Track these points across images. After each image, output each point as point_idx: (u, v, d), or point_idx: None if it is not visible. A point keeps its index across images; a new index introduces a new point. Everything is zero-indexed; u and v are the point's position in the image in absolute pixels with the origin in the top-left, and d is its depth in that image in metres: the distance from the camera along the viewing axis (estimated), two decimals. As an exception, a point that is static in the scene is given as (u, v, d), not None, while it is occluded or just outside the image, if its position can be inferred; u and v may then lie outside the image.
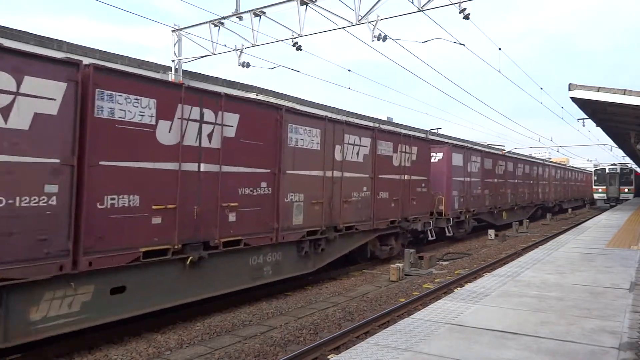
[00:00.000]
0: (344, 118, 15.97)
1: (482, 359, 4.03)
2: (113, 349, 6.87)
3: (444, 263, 14.62)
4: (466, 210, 19.55)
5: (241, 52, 15.85)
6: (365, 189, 12.43)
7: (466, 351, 4.20)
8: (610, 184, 41.31)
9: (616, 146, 34.15)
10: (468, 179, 19.87)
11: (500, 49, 17.67)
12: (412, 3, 12.41)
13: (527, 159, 33.45)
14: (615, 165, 42.45)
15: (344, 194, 11.57)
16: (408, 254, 13.18)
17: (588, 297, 6.23)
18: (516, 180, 26.46)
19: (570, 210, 39.76)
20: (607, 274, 7.82)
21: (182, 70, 16.92)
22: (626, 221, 18.86)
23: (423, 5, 12.31)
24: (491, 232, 20.94)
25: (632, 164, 45.62)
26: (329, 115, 11.41)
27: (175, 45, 16.81)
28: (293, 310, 9.11)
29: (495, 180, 23.27)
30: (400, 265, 12.30)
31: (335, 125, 11.43)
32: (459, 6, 12.17)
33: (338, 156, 11.41)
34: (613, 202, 40.67)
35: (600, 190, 41.84)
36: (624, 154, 40.97)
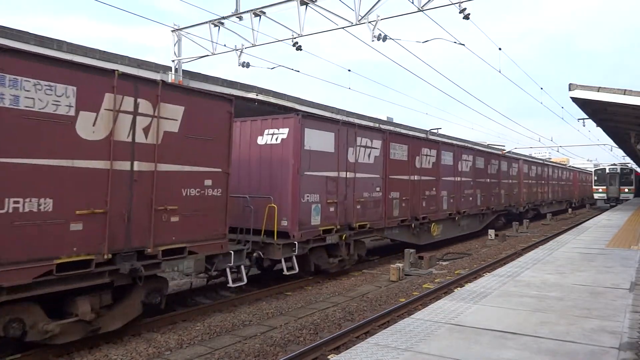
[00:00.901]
0: None
1: (482, 359, 4.03)
2: (113, 349, 6.87)
3: (444, 263, 14.63)
4: (345, 226, 12.28)
5: (241, 52, 15.83)
6: None
7: (466, 351, 4.20)
8: (610, 184, 41.32)
9: (616, 146, 34.18)
10: (350, 175, 12.49)
11: (500, 49, 17.66)
12: (412, 3, 12.41)
13: (481, 149, 26.10)
14: (616, 165, 42.48)
15: None
16: (408, 254, 13.19)
17: (588, 297, 6.23)
18: (460, 179, 19.22)
19: (570, 210, 39.76)
20: (607, 274, 7.82)
21: (182, 70, 16.92)
22: (626, 221, 18.86)
23: (423, 5, 12.31)
24: (491, 232, 20.90)
25: (632, 164, 45.67)
26: None
27: (175, 45, 16.80)
28: (293, 310, 9.11)
29: (416, 177, 15.72)
30: (401, 265, 12.31)
31: None
32: (459, 6, 12.15)
33: None
34: (613, 202, 40.69)
35: (600, 190, 41.86)
36: (624, 154, 41.01)
